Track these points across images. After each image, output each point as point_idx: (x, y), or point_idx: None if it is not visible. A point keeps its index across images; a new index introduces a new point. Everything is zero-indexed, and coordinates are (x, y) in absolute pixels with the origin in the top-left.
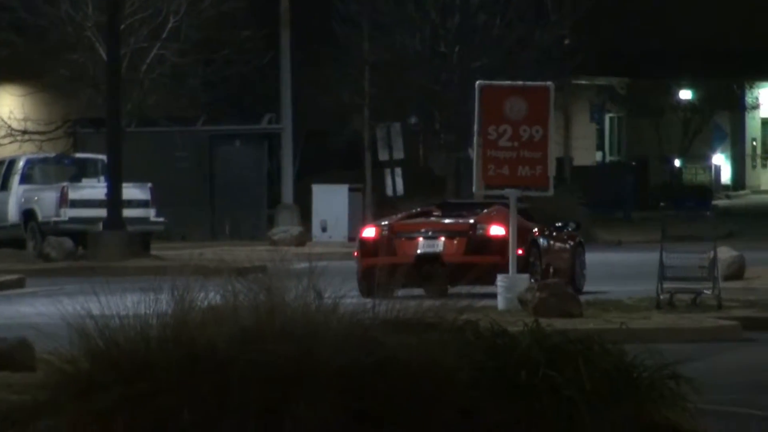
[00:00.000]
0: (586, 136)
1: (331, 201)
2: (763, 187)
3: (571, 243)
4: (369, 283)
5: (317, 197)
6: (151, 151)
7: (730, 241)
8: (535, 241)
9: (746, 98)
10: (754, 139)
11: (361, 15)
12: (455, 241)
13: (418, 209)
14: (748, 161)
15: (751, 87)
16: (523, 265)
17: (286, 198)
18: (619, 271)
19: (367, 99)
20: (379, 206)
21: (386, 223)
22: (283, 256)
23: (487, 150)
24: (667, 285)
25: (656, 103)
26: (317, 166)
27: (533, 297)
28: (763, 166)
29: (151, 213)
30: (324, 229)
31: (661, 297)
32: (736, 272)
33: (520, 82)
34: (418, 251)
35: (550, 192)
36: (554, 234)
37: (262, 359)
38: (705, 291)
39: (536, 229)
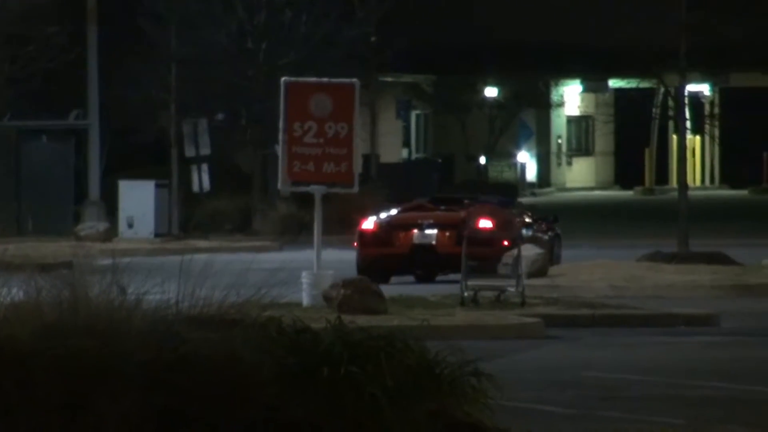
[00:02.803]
0: (392, 133)
1: (137, 197)
2: (569, 185)
3: (550, 234)
4: (367, 270)
5: (124, 193)
6: None
7: None
8: (519, 234)
9: (552, 96)
10: (559, 137)
11: (168, 11)
12: (447, 233)
13: (412, 204)
14: (554, 159)
15: (556, 85)
16: None
17: (92, 194)
18: None
19: (174, 95)
20: (186, 202)
21: (384, 216)
22: (88, 251)
23: (293, 146)
24: (471, 282)
25: (462, 101)
26: (124, 162)
27: (338, 294)
28: (568, 163)
29: None
30: (130, 225)
31: (465, 294)
32: (540, 270)
33: (325, 79)
34: (414, 242)
35: (355, 189)
36: (535, 226)
37: (64, 354)
38: (509, 288)
39: (520, 222)
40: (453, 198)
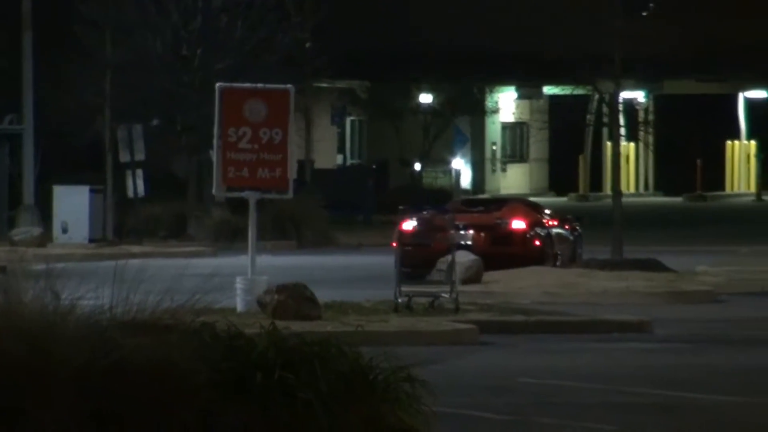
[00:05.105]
0: (327, 138)
1: (72, 202)
2: (503, 191)
3: (574, 234)
4: (406, 266)
5: (58, 198)
6: None
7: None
8: (548, 234)
9: (487, 102)
10: (494, 144)
11: (104, 17)
12: (482, 234)
13: (446, 206)
14: (488, 165)
15: (491, 91)
16: (540, 255)
17: (27, 199)
18: (359, 274)
19: (109, 101)
20: (120, 208)
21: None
22: (22, 256)
23: (227, 152)
24: (405, 288)
25: (397, 107)
26: (59, 168)
27: (272, 299)
28: (503, 170)
29: None
30: (65, 230)
31: (399, 300)
32: (474, 276)
33: (260, 85)
34: (451, 242)
35: (290, 194)
36: (561, 226)
37: None
38: (443, 294)
39: (549, 222)
40: (483, 200)
